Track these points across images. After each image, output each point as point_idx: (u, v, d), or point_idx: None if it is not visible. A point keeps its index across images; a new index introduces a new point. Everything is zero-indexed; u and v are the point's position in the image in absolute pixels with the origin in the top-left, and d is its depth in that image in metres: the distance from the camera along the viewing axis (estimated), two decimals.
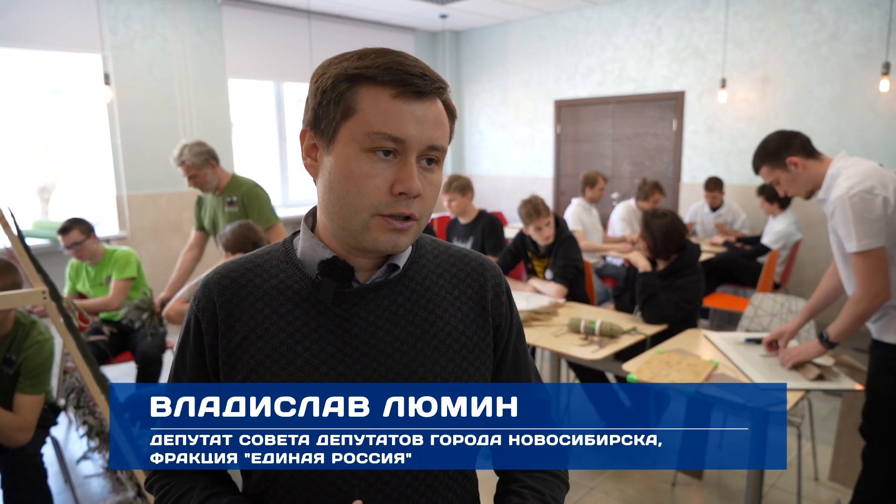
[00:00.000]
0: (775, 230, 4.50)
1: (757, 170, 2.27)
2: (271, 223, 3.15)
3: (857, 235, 1.95)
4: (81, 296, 3.40)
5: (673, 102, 5.82)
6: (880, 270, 1.96)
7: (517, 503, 0.87)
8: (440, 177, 0.82)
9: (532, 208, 3.28)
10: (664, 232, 2.82)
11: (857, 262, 1.99)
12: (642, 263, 2.87)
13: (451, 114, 0.83)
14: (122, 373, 3.70)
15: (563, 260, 3.30)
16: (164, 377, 3.29)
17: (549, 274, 3.39)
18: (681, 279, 2.80)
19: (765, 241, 4.56)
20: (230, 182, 3.18)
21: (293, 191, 6.50)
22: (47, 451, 2.81)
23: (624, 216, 4.96)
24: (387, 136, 0.76)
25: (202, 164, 3.06)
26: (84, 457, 2.94)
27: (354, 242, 0.81)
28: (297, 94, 6.38)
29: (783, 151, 2.17)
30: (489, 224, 3.73)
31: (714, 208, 5.17)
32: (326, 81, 0.79)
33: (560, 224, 3.39)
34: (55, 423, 2.45)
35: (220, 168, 3.16)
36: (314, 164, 0.83)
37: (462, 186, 3.70)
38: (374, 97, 0.76)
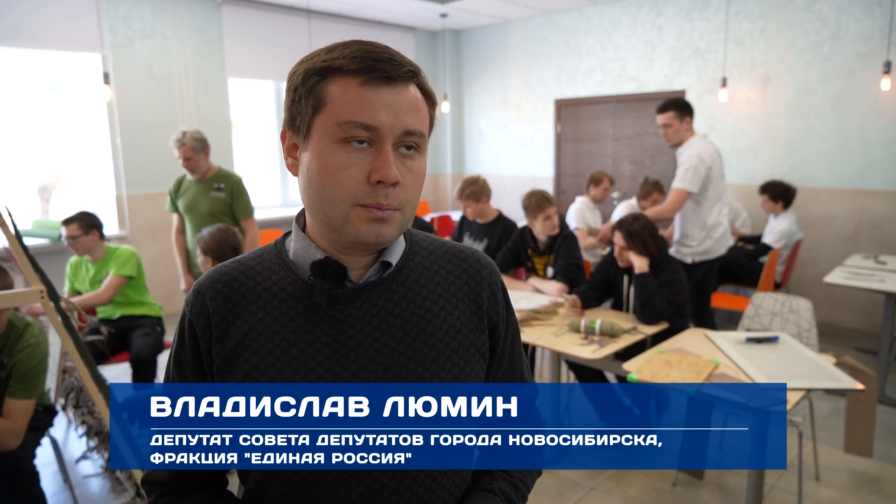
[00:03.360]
0: (777, 229, 4.49)
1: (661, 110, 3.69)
2: (251, 213, 3.58)
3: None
4: (79, 294, 3.38)
5: None
6: (676, 203, 3.47)
7: (486, 482, 0.88)
8: (422, 164, 0.81)
9: (542, 197, 3.30)
10: (650, 232, 2.87)
11: (671, 194, 3.51)
12: (639, 264, 2.85)
13: (430, 98, 0.81)
14: (121, 372, 3.68)
15: (565, 258, 3.29)
16: (159, 378, 3.28)
17: (549, 272, 3.39)
18: (662, 274, 2.83)
19: (766, 240, 4.54)
20: (218, 171, 3.55)
21: (293, 190, 6.49)
22: (46, 451, 2.81)
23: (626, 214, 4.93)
24: (358, 125, 0.75)
25: (200, 149, 3.43)
26: (83, 456, 2.93)
27: (339, 237, 0.80)
28: None
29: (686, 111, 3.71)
30: (512, 230, 3.65)
31: None
32: (297, 78, 0.79)
33: (561, 221, 3.38)
34: (51, 426, 2.42)
35: (209, 158, 3.55)
36: (295, 162, 0.82)
37: (474, 193, 3.62)
38: (343, 87, 0.76)
